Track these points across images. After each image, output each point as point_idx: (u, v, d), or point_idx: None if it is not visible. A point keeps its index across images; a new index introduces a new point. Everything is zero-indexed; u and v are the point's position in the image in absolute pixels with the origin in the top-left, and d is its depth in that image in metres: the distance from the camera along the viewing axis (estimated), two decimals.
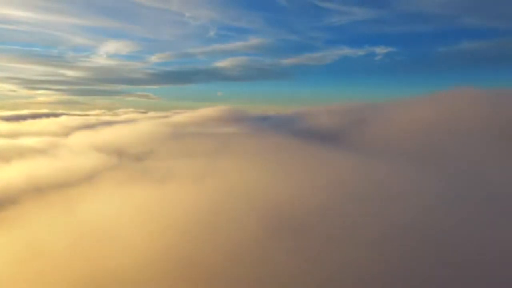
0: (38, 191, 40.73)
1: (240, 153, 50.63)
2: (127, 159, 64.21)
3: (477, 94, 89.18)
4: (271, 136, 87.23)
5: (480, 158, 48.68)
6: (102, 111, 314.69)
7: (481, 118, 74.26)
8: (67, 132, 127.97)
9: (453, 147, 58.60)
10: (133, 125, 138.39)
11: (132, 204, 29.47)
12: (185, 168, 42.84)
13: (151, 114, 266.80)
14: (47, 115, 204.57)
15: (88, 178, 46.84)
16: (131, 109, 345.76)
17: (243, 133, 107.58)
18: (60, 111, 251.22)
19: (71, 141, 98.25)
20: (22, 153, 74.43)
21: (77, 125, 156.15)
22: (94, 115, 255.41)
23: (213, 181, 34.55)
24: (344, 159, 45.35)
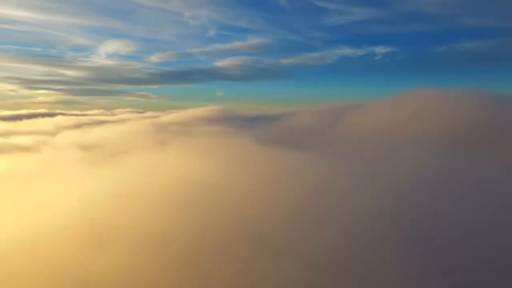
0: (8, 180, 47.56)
1: (195, 148, 57.05)
2: (100, 154, 70.66)
3: (435, 96, 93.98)
4: (242, 135, 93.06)
5: (417, 162, 51.37)
6: (101, 111, 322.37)
7: (431, 120, 79.10)
8: (58, 131, 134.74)
9: (395, 150, 62.55)
10: (121, 125, 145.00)
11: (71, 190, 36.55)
12: (137, 161, 49.56)
13: (148, 114, 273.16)
14: (44, 115, 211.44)
15: (56, 170, 53.56)
16: (129, 109, 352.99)
17: (221, 132, 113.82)
18: (58, 111, 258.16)
19: (57, 139, 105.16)
20: (8, 150, 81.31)
21: (70, 125, 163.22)
22: (92, 115, 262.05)
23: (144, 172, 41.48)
24: (282, 156, 51.16)
